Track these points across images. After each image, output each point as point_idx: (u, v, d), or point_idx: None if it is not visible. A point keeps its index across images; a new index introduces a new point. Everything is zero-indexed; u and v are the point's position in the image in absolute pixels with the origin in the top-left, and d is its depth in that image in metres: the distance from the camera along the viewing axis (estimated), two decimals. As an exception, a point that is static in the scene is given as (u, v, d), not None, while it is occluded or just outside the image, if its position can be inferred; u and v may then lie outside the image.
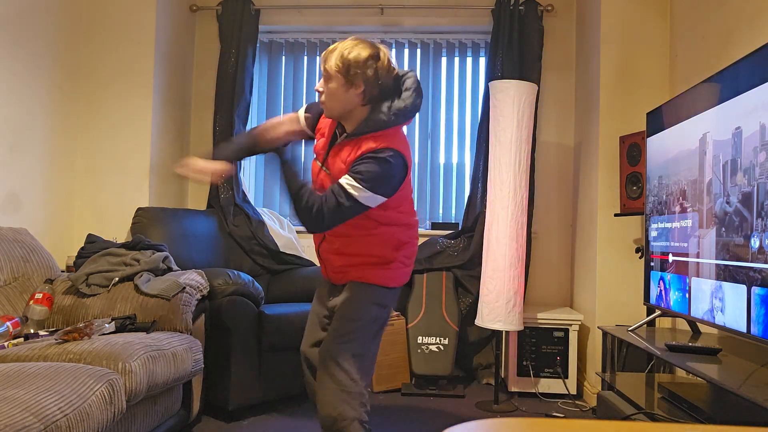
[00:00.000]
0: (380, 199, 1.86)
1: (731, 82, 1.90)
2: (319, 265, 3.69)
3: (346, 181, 1.81)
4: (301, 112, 2.10)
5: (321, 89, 1.89)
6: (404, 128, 2.02)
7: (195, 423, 2.64)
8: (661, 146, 2.44)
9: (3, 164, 2.92)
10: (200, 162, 1.96)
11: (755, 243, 1.73)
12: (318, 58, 4.09)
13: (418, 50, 4.04)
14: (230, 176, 2.02)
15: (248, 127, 3.94)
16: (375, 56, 1.83)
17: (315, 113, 2.07)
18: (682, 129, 2.25)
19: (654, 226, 2.51)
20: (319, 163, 2.02)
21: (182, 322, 2.41)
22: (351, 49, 1.83)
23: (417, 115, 2.14)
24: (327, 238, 2.05)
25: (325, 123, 2.04)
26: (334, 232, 1.99)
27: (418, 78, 1.97)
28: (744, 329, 1.77)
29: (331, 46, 1.88)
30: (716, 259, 1.95)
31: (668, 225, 2.36)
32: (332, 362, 1.93)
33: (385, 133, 1.87)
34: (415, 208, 3.96)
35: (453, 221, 3.97)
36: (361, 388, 1.95)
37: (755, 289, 1.72)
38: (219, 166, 1.95)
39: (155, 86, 3.55)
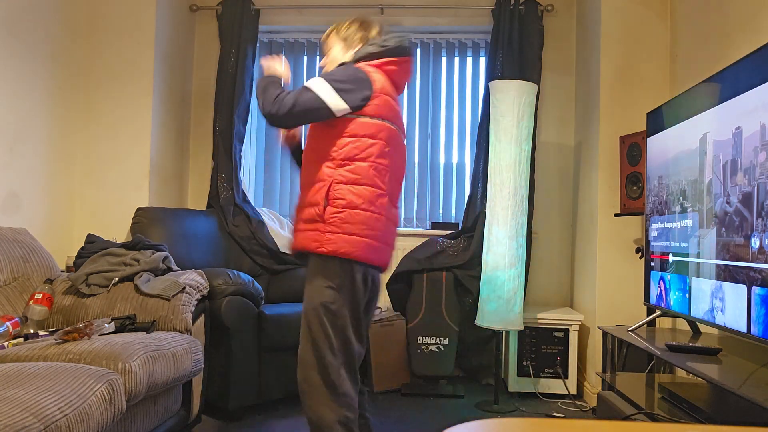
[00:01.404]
0: (337, 98, 1.89)
1: (731, 82, 1.90)
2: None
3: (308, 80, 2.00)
4: None
5: (323, 64, 2.13)
6: (385, 74, 2.04)
7: (195, 423, 2.63)
8: (662, 146, 2.44)
9: (3, 164, 2.92)
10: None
11: (755, 243, 1.73)
12: (318, 57, 4.10)
13: (418, 50, 4.04)
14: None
15: (248, 127, 3.94)
16: (366, 23, 2.10)
17: None
18: (682, 129, 2.24)
19: (654, 226, 2.51)
20: None
21: (182, 322, 2.41)
22: (342, 22, 2.13)
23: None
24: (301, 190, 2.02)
25: None
26: (300, 182, 2.01)
27: (407, 45, 2.08)
28: (744, 329, 1.77)
29: (329, 28, 2.15)
30: (716, 259, 1.95)
31: (668, 225, 2.36)
32: (305, 367, 1.91)
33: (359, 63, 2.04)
34: (415, 209, 3.99)
35: (453, 221, 3.97)
36: (341, 389, 1.89)
37: (755, 289, 1.72)
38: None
39: (155, 86, 3.55)
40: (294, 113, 1.89)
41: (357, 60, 2.02)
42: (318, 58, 4.10)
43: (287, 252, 3.66)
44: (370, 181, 1.94)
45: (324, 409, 1.88)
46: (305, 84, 1.92)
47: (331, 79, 1.91)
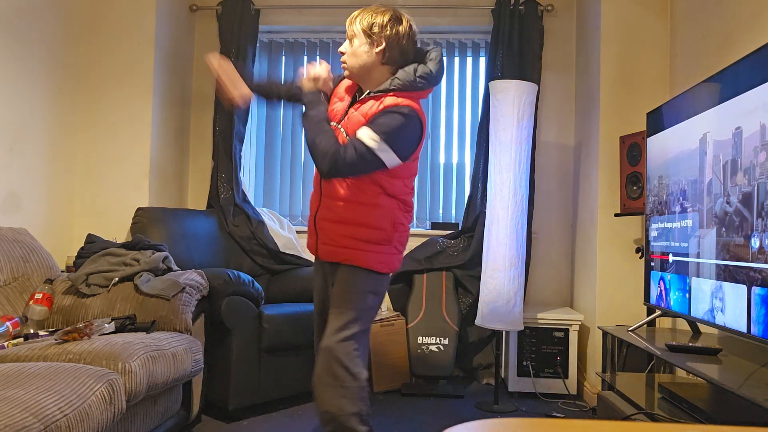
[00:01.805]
0: (395, 158, 1.93)
1: (731, 82, 1.90)
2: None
3: (364, 132, 1.89)
4: None
5: (344, 50, 2.03)
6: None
7: (195, 423, 2.64)
8: (662, 146, 2.44)
9: (3, 164, 2.92)
10: (235, 76, 2.09)
11: (755, 243, 1.73)
12: (318, 58, 4.09)
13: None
14: (245, 104, 2.18)
15: (248, 127, 3.94)
16: (397, 18, 1.99)
17: (335, 78, 2.18)
18: (682, 129, 2.25)
19: (654, 226, 2.51)
20: (334, 124, 2.06)
21: (182, 322, 2.41)
22: (374, 11, 2.00)
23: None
24: (325, 203, 2.05)
25: (343, 88, 2.12)
26: (336, 195, 2.01)
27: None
28: (744, 329, 1.77)
29: (357, 11, 2.02)
30: (716, 259, 1.95)
31: (668, 225, 2.36)
32: (332, 359, 1.94)
33: (409, 94, 1.98)
34: (415, 208, 3.99)
35: (453, 221, 3.97)
36: (360, 383, 1.95)
37: (755, 289, 1.72)
38: (246, 91, 2.11)
39: (155, 86, 3.55)
40: (350, 171, 1.92)
41: (402, 89, 1.96)
42: (318, 58, 4.09)
43: (287, 252, 3.66)
44: (411, 206, 2.11)
45: (343, 402, 1.92)
46: (365, 141, 1.88)
47: (390, 139, 1.89)
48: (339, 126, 2.04)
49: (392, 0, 3.87)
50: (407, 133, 1.94)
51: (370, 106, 1.97)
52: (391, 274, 2.13)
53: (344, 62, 2.04)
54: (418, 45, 2.09)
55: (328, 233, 2.05)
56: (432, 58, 2.03)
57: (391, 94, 1.96)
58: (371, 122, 1.92)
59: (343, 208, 2.00)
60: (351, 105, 2.07)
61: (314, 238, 2.11)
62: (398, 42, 1.98)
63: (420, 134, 1.98)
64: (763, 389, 1.58)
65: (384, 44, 1.97)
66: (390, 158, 1.92)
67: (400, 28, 1.98)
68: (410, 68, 1.98)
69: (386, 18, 1.97)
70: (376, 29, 1.96)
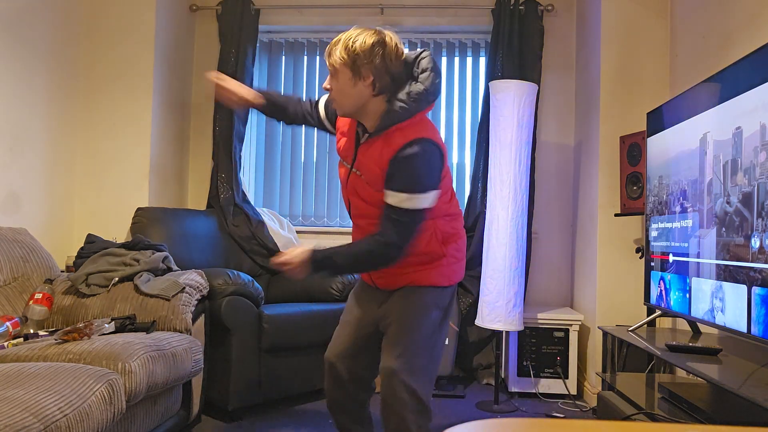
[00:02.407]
0: (432, 194, 1.78)
1: (731, 82, 1.90)
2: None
3: (393, 200, 1.75)
4: (321, 104, 2.02)
5: (329, 86, 1.80)
6: (428, 114, 1.91)
7: (195, 423, 2.63)
8: (662, 146, 2.44)
9: (3, 164, 2.92)
10: (234, 84, 1.97)
11: (755, 243, 1.73)
12: (318, 57, 4.09)
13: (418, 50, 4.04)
14: (246, 109, 2.05)
15: (248, 127, 3.94)
16: (381, 42, 1.73)
17: (334, 110, 1.98)
18: (682, 129, 2.24)
19: (654, 226, 2.51)
20: (347, 165, 1.91)
21: (182, 322, 2.41)
22: (355, 38, 1.73)
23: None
24: None
25: (344, 122, 1.94)
26: (376, 214, 1.86)
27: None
28: (744, 329, 1.77)
29: (334, 39, 1.77)
30: (716, 259, 1.95)
31: (668, 225, 2.36)
32: (398, 382, 1.79)
33: (411, 122, 1.78)
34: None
35: (453, 221, 3.97)
36: (427, 404, 1.85)
37: (755, 289, 1.72)
38: (248, 94, 1.96)
39: (155, 86, 3.55)
40: (408, 239, 1.78)
41: (402, 120, 1.77)
42: (318, 58, 4.09)
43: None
44: (456, 214, 1.97)
45: (413, 428, 1.81)
46: (403, 207, 1.73)
47: (419, 186, 1.75)
48: (355, 170, 1.87)
49: (395, 0, 3.88)
50: (428, 168, 1.78)
51: (380, 151, 1.78)
52: (455, 285, 1.98)
53: (333, 100, 1.83)
54: (405, 55, 1.84)
55: (381, 270, 1.94)
56: (423, 68, 1.80)
57: (394, 129, 1.77)
58: (390, 178, 1.75)
59: None
60: (357, 143, 1.88)
61: (367, 273, 2.01)
62: (387, 69, 1.74)
63: (440, 155, 1.81)
64: (763, 389, 1.58)
65: (372, 76, 1.73)
66: (429, 199, 1.77)
67: (386, 50, 1.73)
68: (403, 94, 1.76)
69: (368, 44, 1.71)
70: (360, 61, 1.71)
